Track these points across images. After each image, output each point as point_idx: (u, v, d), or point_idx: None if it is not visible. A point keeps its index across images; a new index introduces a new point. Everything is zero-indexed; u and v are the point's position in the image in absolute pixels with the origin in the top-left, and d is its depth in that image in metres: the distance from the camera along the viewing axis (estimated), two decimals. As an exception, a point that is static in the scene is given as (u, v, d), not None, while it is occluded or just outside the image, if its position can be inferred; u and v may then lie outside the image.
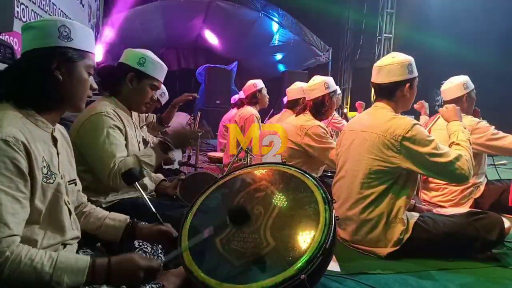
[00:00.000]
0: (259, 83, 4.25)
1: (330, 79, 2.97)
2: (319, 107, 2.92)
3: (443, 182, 2.90)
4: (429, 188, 3.07)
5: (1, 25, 2.04)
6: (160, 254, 1.48)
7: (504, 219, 2.08)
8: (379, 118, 2.10)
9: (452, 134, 2.19)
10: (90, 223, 1.42)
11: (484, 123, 2.90)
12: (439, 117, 3.04)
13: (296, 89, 3.91)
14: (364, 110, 3.03)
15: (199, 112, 4.02)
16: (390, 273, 1.88)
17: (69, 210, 1.22)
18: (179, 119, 4.63)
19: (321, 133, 2.82)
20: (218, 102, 8.93)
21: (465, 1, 9.54)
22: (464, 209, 2.52)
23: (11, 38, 2.71)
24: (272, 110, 5.46)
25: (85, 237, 1.35)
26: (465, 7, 9.50)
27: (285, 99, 4.29)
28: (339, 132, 3.78)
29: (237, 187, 1.56)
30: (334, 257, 1.91)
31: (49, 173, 1.11)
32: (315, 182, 1.45)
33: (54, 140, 1.20)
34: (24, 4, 2.96)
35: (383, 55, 3.31)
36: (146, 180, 2.00)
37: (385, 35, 10.55)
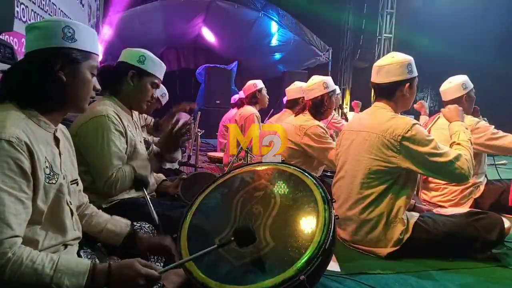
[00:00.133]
0: (259, 83, 4.25)
1: (329, 79, 2.96)
2: (318, 107, 2.92)
3: (443, 182, 2.90)
4: (429, 188, 3.07)
5: (1, 25, 2.04)
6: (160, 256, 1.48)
7: (504, 219, 2.08)
8: (378, 118, 2.10)
9: (454, 134, 2.19)
10: (91, 226, 1.42)
11: (484, 122, 2.90)
12: (439, 117, 3.04)
13: (295, 89, 3.90)
14: (360, 109, 3.02)
15: (199, 112, 4.02)
16: (390, 273, 1.88)
17: (71, 210, 1.22)
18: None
19: (321, 133, 2.81)
20: (218, 102, 8.92)
21: (464, 1, 9.55)
22: (464, 209, 2.52)
23: (11, 38, 2.71)
24: (272, 110, 5.45)
25: (85, 237, 1.34)
26: (464, 7, 9.52)
27: (285, 99, 4.28)
28: (339, 132, 3.77)
29: (236, 186, 1.56)
30: (334, 257, 1.91)
31: (51, 173, 1.11)
32: (314, 181, 1.45)
33: (56, 141, 1.20)
34: (24, 4, 2.96)
35: (383, 55, 3.30)
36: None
37: (385, 35, 10.55)
